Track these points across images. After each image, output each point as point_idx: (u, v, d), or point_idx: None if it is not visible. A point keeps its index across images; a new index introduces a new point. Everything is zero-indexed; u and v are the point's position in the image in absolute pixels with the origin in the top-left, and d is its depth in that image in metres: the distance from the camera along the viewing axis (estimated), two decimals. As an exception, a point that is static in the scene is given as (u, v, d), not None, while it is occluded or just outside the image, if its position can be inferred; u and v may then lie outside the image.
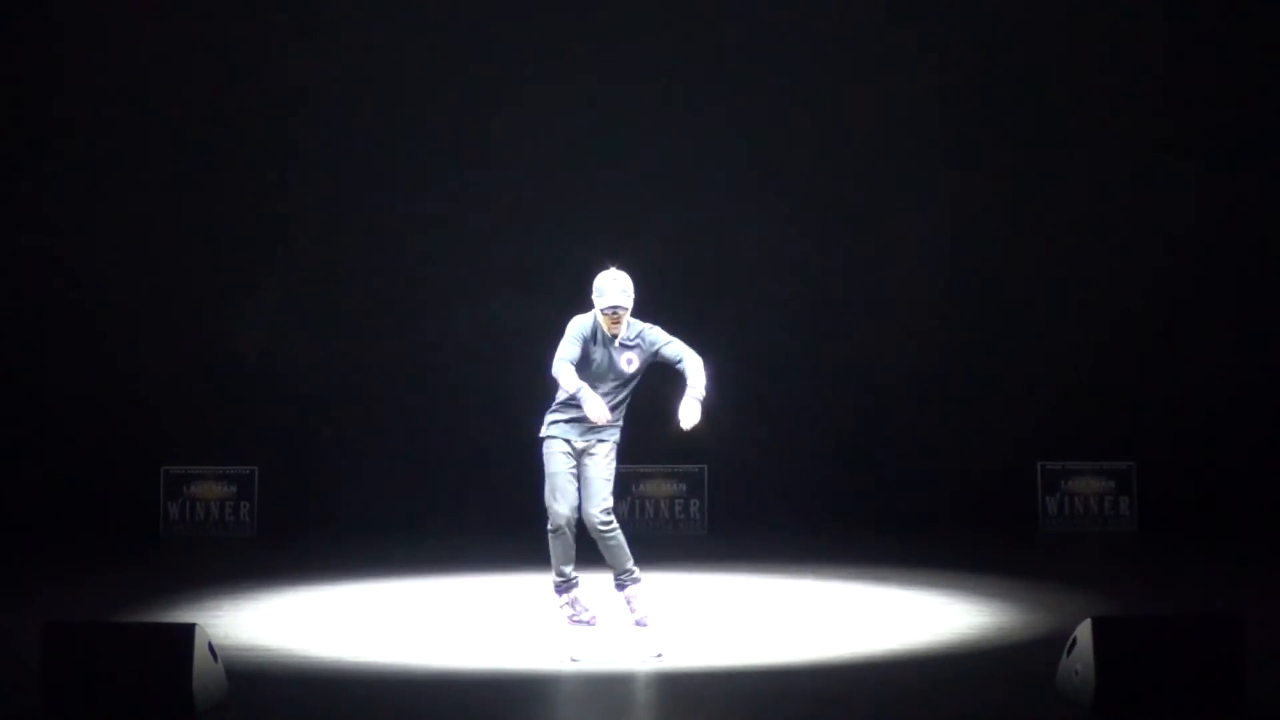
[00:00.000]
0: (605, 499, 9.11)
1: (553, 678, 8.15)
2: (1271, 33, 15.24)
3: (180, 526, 14.49)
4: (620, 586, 9.25)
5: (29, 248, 15.23)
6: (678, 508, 14.58)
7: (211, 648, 7.23)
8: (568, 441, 9.13)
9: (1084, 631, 7.21)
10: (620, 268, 9.14)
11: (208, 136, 15.28)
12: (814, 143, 15.39)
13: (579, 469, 9.15)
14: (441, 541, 13.56)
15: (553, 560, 9.25)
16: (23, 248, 15.23)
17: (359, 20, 15.33)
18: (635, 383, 9.18)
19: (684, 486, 14.62)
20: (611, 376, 9.10)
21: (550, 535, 9.20)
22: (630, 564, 9.22)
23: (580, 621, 9.28)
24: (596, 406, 8.88)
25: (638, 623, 9.16)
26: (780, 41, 15.36)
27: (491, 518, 14.03)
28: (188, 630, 7.12)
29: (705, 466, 14.62)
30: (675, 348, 9.18)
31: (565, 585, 9.29)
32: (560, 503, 9.11)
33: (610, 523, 9.12)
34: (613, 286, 9.04)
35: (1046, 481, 14.59)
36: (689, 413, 8.95)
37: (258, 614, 10.10)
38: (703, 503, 14.61)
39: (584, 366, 9.05)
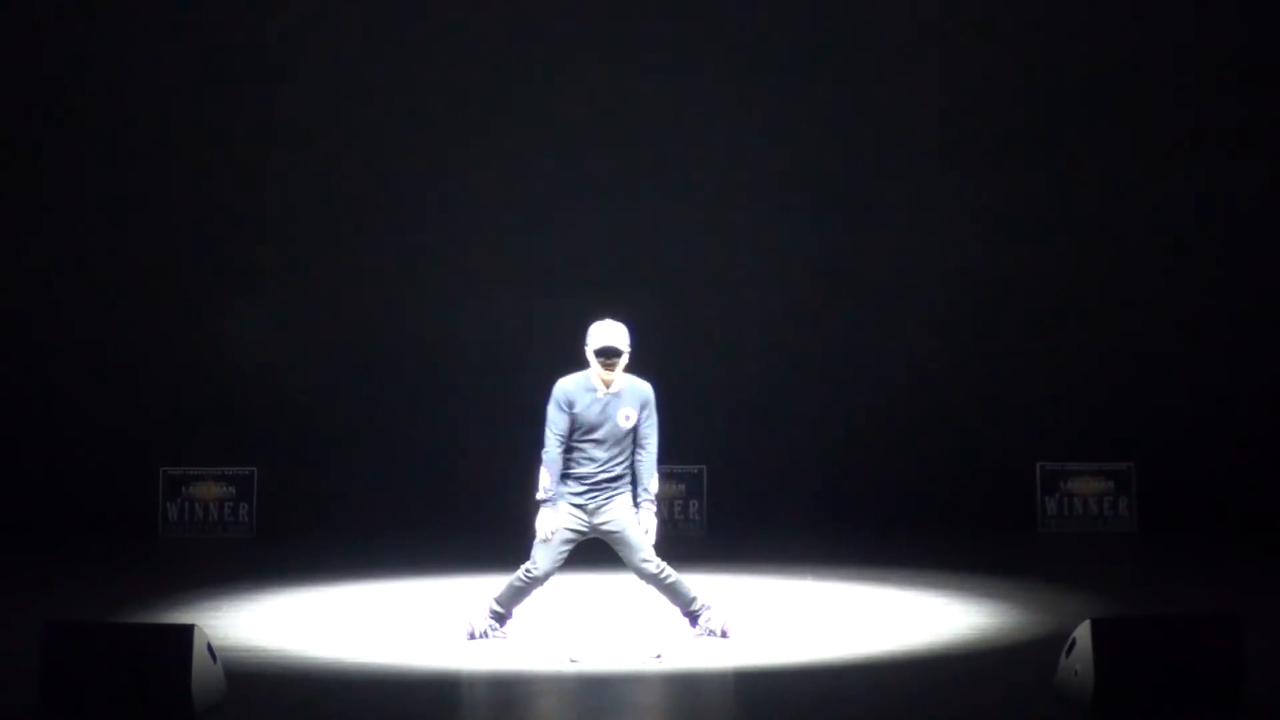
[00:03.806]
0: (649, 549, 8.84)
1: (552, 678, 8.15)
2: None
3: (179, 527, 14.48)
4: (694, 621, 8.99)
5: (27, 250, 15.22)
6: (677, 508, 14.56)
7: (210, 648, 7.24)
8: (579, 508, 8.82)
9: (1083, 632, 7.21)
10: (616, 319, 8.80)
11: (204, 134, 15.25)
12: (818, 143, 15.38)
13: (610, 533, 8.86)
14: (440, 542, 13.55)
15: (505, 596, 8.95)
16: (21, 250, 15.21)
17: (358, 19, 15.31)
18: (631, 437, 8.82)
19: (684, 487, 14.61)
20: (609, 433, 8.78)
21: (517, 579, 8.91)
22: (693, 594, 8.97)
23: (482, 634, 8.97)
24: (546, 524, 8.72)
25: (723, 634, 8.95)
26: (788, 39, 15.35)
27: (490, 519, 14.01)
28: (187, 631, 7.12)
29: (705, 467, 14.61)
30: (652, 423, 8.86)
31: (499, 620, 8.98)
32: (542, 561, 8.81)
33: (661, 568, 8.87)
34: (608, 331, 8.72)
35: (1046, 482, 14.58)
36: (651, 525, 8.81)
37: (256, 615, 10.10)
38: (702, 503, 14.61)
39: (578, 426, 8.74)
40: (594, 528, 8.88)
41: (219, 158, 15.29)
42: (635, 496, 8.89)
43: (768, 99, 15.37)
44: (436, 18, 15.32)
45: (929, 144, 15.40)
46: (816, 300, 15.37)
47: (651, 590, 9.01)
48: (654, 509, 8.88)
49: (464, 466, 14.87)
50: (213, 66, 15.26)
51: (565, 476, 8.84)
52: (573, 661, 8.38)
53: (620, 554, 8.94)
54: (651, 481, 8.86)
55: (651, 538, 8.87)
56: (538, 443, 8.84)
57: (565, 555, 8.91)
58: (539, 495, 8.79)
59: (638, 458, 8.87)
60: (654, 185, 15.34)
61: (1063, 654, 7.40)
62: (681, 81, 15.31)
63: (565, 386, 8.80)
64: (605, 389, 8.77)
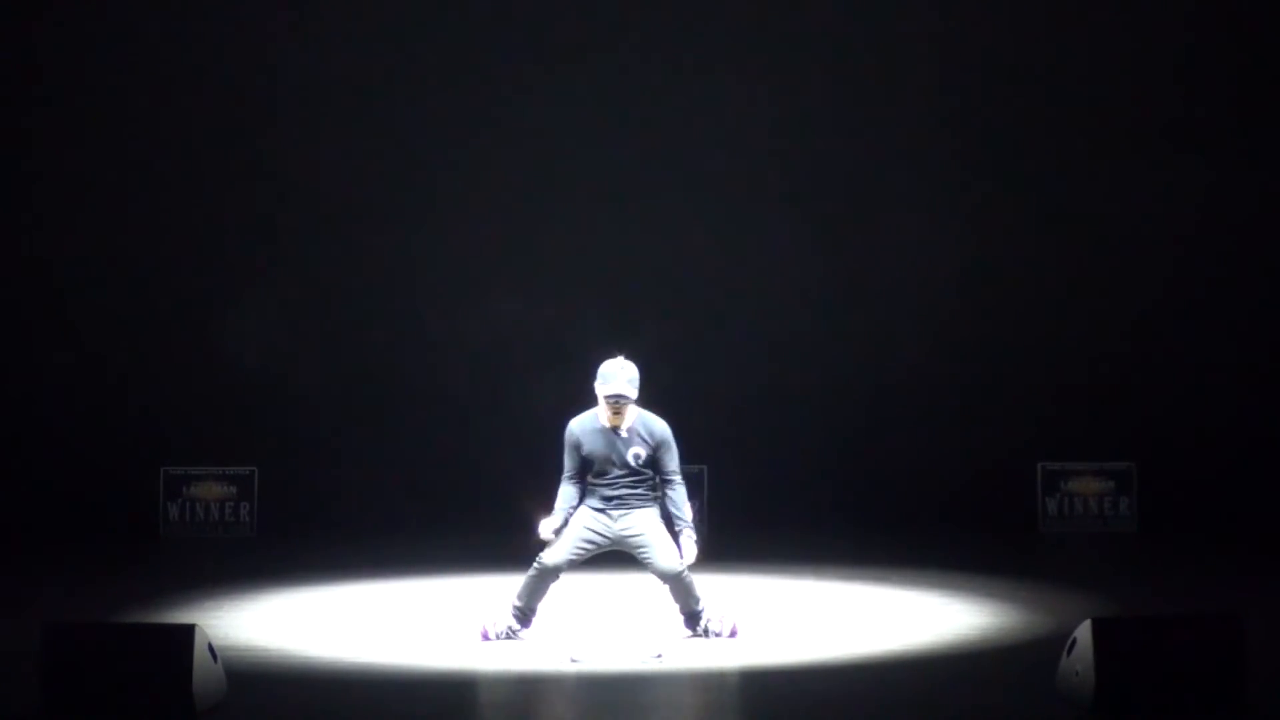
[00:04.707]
0: (674, 552, 8.88)
1: (553, 678, 8.15)
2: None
3: (180, 527, 14.48)
4: (693, 622, 9.04)
5: (27, 251, 15.21)
6: (677, 508, 14.51)
7: (211, 648, 7.24)
8: (603, 514, 8.92)
9: (1084, 632, 7.21)
10: (628, 358, 8.87)
11: (203, 135, 15.24)
12: (818, 144, 15.37)
13: (633, 536, 8.91)
14: (440, 542, 13.54)
15: (522, 590, 8.98)
16: (21, 251, 15.21)
17: (356, 18, 15.30)
18: (647, 468, 8.92)
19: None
20: (619, 468, 8.89)
21: (531, 570, 8.95)
22: (699, 594, 9.01)
23: (501, 635, 9.02)
24: (545, 528, 8.83)
25: (733, 634, 9.02)
26: (785, 41, 15.34)
27: (490, 519, 14.01)
28: (187, 631, 7.12)
29: (705, 467, 14.60)
30: (672, 459, 8.94)
31: (521, 617, 9.00)
32: (556, 552, 8.89)
33: (682, 571, 8.91)
34: (619, 375, 8.78)
35: (1046, 482, 14.58)
36: (690, 552, 8.86)
37: (257, 614, 10.10)
38: (704, 503, 14.59)
39: (589, 463, 8.89)
40: (617, 535, 8.93)
41: (219, 156, 15.28)
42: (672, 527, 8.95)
43: (771, 101, 15.36)
44: (440, 17, 15.31)
45: (929, 145, 15.39)
46: (816, 300, 15.36)
47: (666, 589, 9.01)
48: (694, 537, 8.91)
49: (464, 466, 14.87)
50: (212, 65, 15.24)
51: (597, 494, 8.95)
52: (574, 661, 8.39)
53: (643, 558, 8.94)
54: (686, 510, 8.95)
55: (689, 560, 8.88)
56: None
57: (582, 554, 8.95)
58: (550, 511, 8.90)
59: (668, 494, 8.98)
60: (656, 187, 15.32)
61: (1063, 654, 7.39)
62: (687, 83, 15.30)
63: (573, 428, 8.96)
64: (614, 429, 8.87)
